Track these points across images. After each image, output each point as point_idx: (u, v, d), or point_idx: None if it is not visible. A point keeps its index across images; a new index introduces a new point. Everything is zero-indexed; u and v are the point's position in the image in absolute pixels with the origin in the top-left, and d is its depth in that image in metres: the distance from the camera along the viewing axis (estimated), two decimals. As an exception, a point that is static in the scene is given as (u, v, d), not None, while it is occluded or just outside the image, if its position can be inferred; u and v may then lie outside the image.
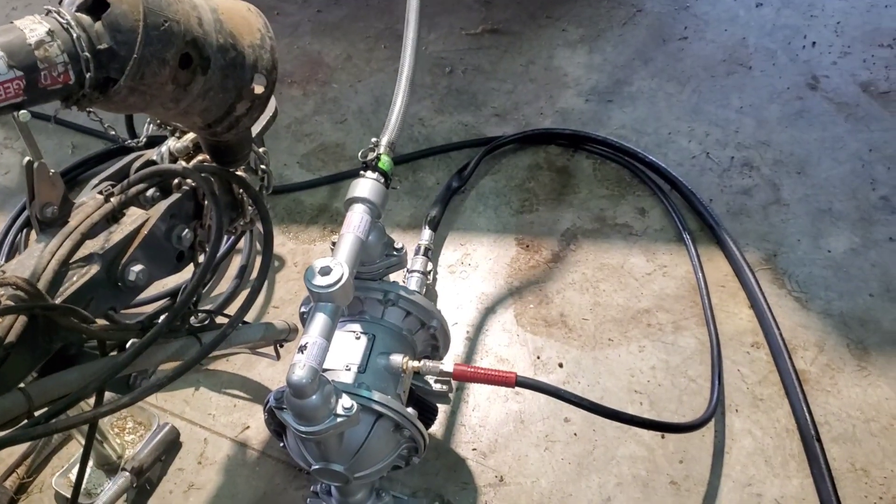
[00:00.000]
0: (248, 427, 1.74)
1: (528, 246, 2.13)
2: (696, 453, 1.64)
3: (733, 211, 2.18)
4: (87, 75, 0.82)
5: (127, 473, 1.58)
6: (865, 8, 2.95)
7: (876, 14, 2.92)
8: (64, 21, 0.81)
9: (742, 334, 1.86)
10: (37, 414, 0.97)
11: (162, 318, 1.12)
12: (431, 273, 1.93)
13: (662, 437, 1.67)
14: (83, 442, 1.25)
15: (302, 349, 1.08)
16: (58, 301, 1.00)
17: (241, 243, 2.12)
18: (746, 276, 1.95)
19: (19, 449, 1.70)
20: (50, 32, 0.79)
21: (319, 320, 1.11)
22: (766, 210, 2.18)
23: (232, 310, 1.58)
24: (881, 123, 2.43)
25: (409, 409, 1.30)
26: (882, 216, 2.13)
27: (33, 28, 0.79)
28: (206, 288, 2.02)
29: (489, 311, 1.97)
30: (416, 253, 1.88)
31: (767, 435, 1.67)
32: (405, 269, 1.80)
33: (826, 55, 2.73)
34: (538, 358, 1.84)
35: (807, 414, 1.65)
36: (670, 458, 1.64)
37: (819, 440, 1.61)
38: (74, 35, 0.81)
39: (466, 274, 2.07)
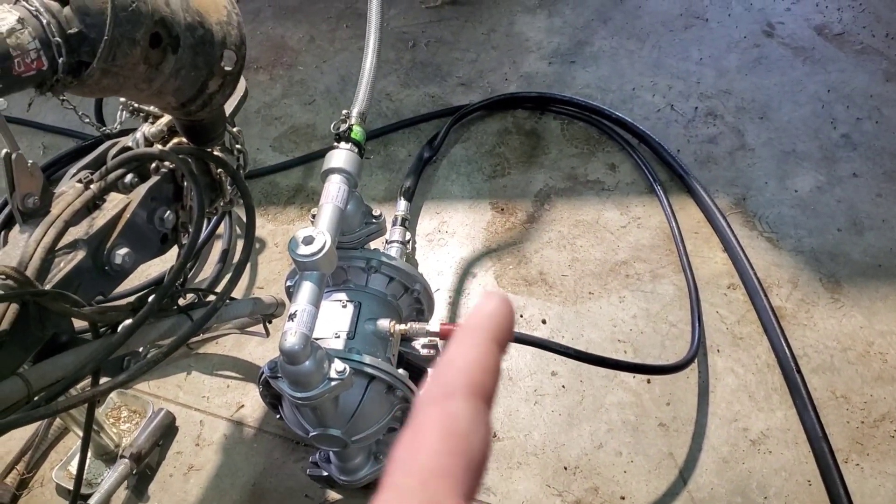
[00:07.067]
0: (242, 406, 1.77)
1: (502, 209, 2.16)
2: (682, 395, 1.69)
3: (701, 159, 2.22)
4: (60, 60, 0.84)
5: (126, 460, 1.59)
6: (816, -48, 3.00)
7: (827, -42, 2.96)
8: (33, 8, 0.82)
9: (718, 277, 1.91)
10: (36, 398, 0.99)
11: (151, 297, 1.14)
12: (410, 242, 1.96)
13: (648, 381, 1.72)
14: (80, 433, 1.27)
15: (292, 317, 1.10)
16: (47, 288, 1.01)
17: (221, 229, 2.13)
18: (718, 221, 1.99)
19: (17, 446, 1.71)
20: (20, 20, 0.80)
21: (306, 289, 1.13)
22: (733, 156, 2.22)
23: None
24: (837, 64, 2.47)
25: (401, 370, 1.33)
26: (844, 153, 2.18)
27: (3, 17, 0.80)
28: (191, 273, 2.03)
29: (470, 276, 2.00)
30: (394, 224, 1.91)
31: (749, 371, 1.72)
32: (384, 241, 1.83)
33: (779, 2, 2.77)
34: (521, 316, 1.87)
35: (786, 348, 1.70)
36: (657, 401, 1.68)
37: (799, 372, 1.66)
38: (44, 21, 0.82)
39: (444, 241, 2.09)
